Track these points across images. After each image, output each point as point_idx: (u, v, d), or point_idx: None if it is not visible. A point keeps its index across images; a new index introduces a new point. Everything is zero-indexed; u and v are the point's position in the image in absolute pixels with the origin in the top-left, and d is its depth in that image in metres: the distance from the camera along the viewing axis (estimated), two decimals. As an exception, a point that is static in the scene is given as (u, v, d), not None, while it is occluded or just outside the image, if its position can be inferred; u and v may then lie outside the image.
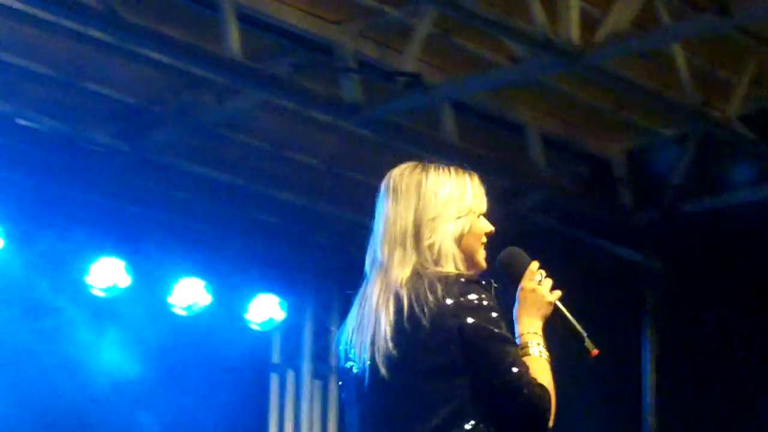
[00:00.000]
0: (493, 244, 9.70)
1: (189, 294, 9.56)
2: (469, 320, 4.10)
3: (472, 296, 4.12)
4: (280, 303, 10.07)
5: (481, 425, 4.14)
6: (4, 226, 8.66)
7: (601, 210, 9.46)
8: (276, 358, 10.64)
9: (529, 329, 4.28)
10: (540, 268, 4.26)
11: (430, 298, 4.11)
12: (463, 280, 4.13)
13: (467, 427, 4.13)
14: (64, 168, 8.76)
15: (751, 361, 9.03)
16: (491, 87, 8.45)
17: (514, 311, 4.31)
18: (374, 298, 4.25)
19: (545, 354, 4.23)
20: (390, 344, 4.15)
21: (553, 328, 4.23)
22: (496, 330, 4.10)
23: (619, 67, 8.01)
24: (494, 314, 4.11)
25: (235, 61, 7.50)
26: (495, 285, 4.19)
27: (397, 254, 4.23)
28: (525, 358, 4.15)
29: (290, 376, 10.65)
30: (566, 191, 9.40)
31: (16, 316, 8.83)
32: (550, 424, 4.14)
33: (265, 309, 10.03)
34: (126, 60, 7.98)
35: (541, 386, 4.11)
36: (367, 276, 4.34)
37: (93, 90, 8.28)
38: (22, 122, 8.38)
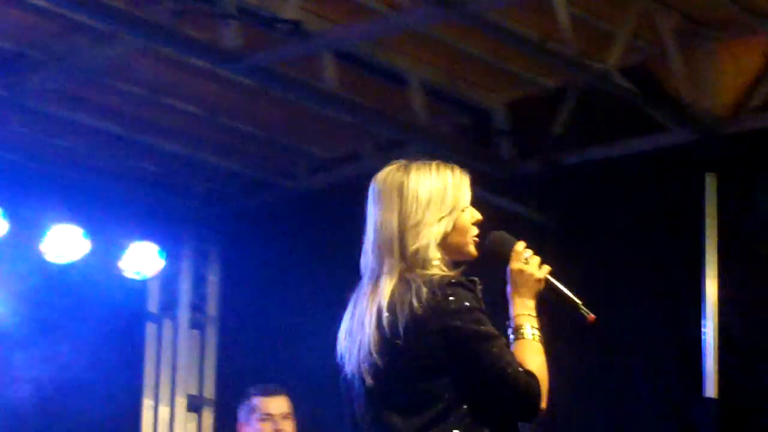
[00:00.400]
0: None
1: (64, 242, 9.43)
2: (453, 323, 4.22)
3: (454, 298, 4.24)
4: (158, 252, 9.97)
5: (468, 423, 4.26)
6: None
7: (481, 161, 9.43)
8: (152, 307, 10.59)
9: (522, 311, 4.41)
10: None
11: (415, 303, 4.22)
12: (446, 283, 4.24)
13: (453, 428, 4.26)
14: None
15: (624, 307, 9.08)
16: (373, 35, 8.37)
17: (507, 292, 4.43)
18: (363, 305, 4.37)
19: (537, 334, 4.36)
20: (374, 353, 4.28)
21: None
22: (480, 328, 4.22)
23: (500, 16, 7.97)
24: (477, 314, 4.24)
25: (113, 6, 7.36)
26: (480, 285, 4.31)
27: (387, 261, 4.34)
28: (518, 342, 4.34)
29: (167, 325, 10.60)
30: (447, 141, 9.35)
31: None
32: (543, 405, 4.27)
33: (142, 258, 9.94)
34: (1, 4, 7.76)
35: (529, 373, 4.25)
36: (362, 279, 4.47)
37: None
38: None
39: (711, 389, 8.82)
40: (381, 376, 4.31)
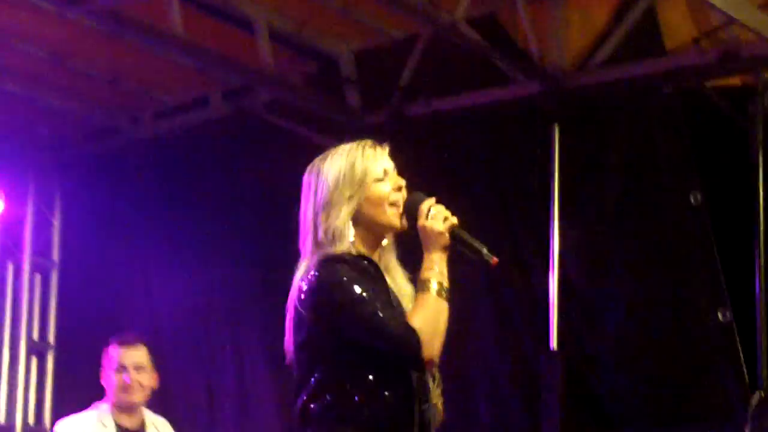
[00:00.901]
0: (225, 138, 9.43)
1: None
2: (323, 297, 4.50)
3: (326, 274, 4.49)
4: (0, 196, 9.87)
5: (347, 389, 4.53)
6: None
7: (329, 109, 9.43)
8: None
9: (427, 265, 4.59)
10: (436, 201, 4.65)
11: (303, 283, 4.53)
12: (323, 259, 4.52)
13: (328, 397, 4.54)
14: None
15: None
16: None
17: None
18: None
19: (440, 288, 4.58)
20: (287, 333, 4.66)
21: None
22: (351, 297, 4.46)
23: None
24: (348, 284, 4.47)
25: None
26: (367, 260, 4.59)
27: (306, 245, 4.63)
28: (418, 296, 4.57)
29: (10, 269, 10.50)
30: (295, 89, 9.33)
31: None
32: (427, 356, 4.48)
33: None
34: None
35: (408, 327, 4.46)
36: None
37: None
38: None
39: (554, 340, 8.85)
40: (291, 353, 4.66)
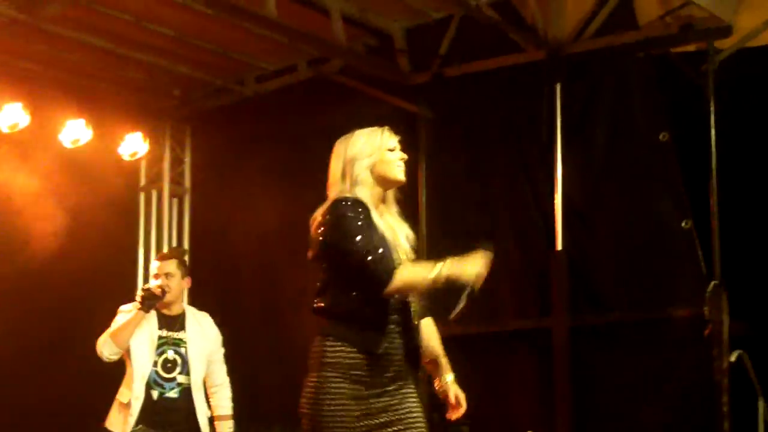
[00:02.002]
0: (309, 96, 9.15)
1: (75, 132, 9.08)
2: (327, 227, 4.51)
3: (332, 211, 4.51)
4: (146, 139, 9.70)
5: (339, 293, 4.51)
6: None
7: (386, 73, 9.22)
8: (143, 181, 10.31)
9: (445, 266, 4.42)
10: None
11: (319, 213, 4.56)
12: (334, 200, 4.56)
13: (327, 297, 4.55)
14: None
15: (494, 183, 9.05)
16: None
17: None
18: None
19: (432, 276, 4.40)
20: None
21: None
22: (346, 231, 4.45)
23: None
24: (346, 220, 4.47)
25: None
26: (362, 205, 4.51)
27: (332, 189, 4.63)
28: (428, 265, 4.44)
29: (154, 195, 10.32)
30: (360, 58, 9.12)
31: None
32: (386, 291, 4.40)
33: (135, 144, 9.63)
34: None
35: (382, 261, 4.43)
36: None
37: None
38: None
39: (559, 243, 8.64)
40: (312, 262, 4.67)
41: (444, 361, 4.74)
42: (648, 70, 8.44)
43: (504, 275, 8.79)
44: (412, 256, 4.59)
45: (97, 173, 9.19)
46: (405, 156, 4.68)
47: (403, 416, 4.53)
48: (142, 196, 10.19)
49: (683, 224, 8.14)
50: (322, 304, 4.55)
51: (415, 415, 4.55)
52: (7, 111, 8.50)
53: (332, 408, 4.42)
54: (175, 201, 10.26)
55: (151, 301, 6.77)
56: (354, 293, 4.49)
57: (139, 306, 6.76)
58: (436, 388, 4.71)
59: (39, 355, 8.73)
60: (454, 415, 4.71)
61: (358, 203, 4.52)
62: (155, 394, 6.72)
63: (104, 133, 9.29)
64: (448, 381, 4.70)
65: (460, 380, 8.64)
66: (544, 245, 8.68)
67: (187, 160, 10.30)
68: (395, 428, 4.50)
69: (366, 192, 4.57)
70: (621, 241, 8.51)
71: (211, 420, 6.96)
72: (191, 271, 9.89)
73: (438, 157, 9.12)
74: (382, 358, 4.50)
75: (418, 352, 4.63)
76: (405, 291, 4.49)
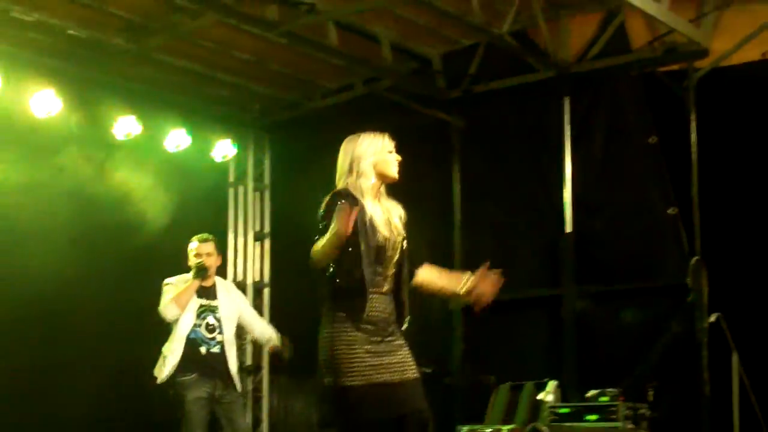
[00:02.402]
0: (363, 109, 9.14)
1: (177, 139, 9.07)
2: (323, 209, 4.44)
3: (326, 199, 4.44)
4: (234, 144, 9.64)
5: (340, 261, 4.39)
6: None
7: (426, 90, 9.13)
8: (231, 179, 10.27)
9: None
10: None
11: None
12: (335, 192, 4.47)
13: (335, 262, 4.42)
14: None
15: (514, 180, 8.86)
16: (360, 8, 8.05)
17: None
18: None
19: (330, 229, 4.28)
20: None
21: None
22: (321, 217, 4.41)
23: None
24: (330, 208, 4.36)
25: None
26: (347, 198, 4.36)
27: (340, 180, 4.55)
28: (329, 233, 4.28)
29: (240, 190, 10.29)
30: (405, 78, 9.05)
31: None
32: (315, 261, 4.35)
33: (224, 148, 9.61)
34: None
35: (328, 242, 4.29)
36: None
37: None
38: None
39: (569, 227, 8.57)
40: None
41: (449, 273, 4.66)
42: (639, 86, 8.38)
43: (522, 253, 8.78)
44: (403, 232, 4.55)
45: (194, 172, 9.23)
46: (399, 157, 4.64)
47: (400, 360, 4.45)
48: (230, 191, 10.18)
49: (669, 211, 8.09)
50: (329, 278, 4.48)
51: (409, 360, 4.48)
52: (122, 122, 8.54)
53: (344, 349, 4.35)
54: (257, 195, 10.25)
55: (203, 273, 6.88)
56: (341, 265, 4.41)
57: (194, 277, 6.87)
58: (464, 292, 4.58)
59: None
60: (483, 301, 4.59)
61: (347, 193, 4.46)
62: (203, 350, 6.78)
63: (200, 140, 9.31)
64: (465, 278, 4.59)
65: (486, 339, 8.61)
66: (556, 229, 8.61)
67: (267, 161, 10.27)
68: (395, 369, 4.41)
69: (367, 183, 4.53)
70: (618, 224, 8.43)
71: (239, 369, 7.14)
72: (272, 251, 10.16)
73: (468, 159, 9.05)
74: (375, 322, 4.43)
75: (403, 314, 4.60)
76: (323, 256, 4.37)
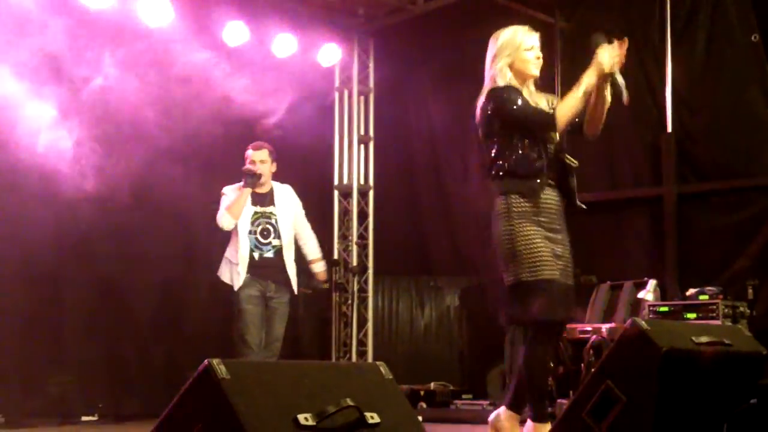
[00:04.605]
0: (467, 12, 9.31)
1: (285, 44, 9.46)
2: (495, 101, 4.64)
3: (494, 94, 4.64)
4: (339, 49, 9.99)
5: (507, 153, 4.66)
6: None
7: None
8: (337, 83, 10.55)
9: (584, 77, 4.53)
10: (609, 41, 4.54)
11: (482, 99, 4.71)
12: (492, 89, 4.67)
13: (499, 160, 4.68)
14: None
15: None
16: None
17: None
18: None
19: (582, 89, 4.50)
20: (479, 130, 4.81)
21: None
22: (505, 105, 4.61)
23: None
24: (505, 96, 4.62)
25: None
26: (516, 87, 4.63)
27: (486, 81, 4.74)
28: (572, 91, 4.53)
29: (345, 93, 10.56)
30: None
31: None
32: (560, 126, 4.58)
33: (330, 53, 9.97)
34: None
35: (541, 112, 4.64)
36: None
37: None
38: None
39: (669, 126, 8.83)
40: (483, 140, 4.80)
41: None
42: None
43: (623, 152, 9.11)
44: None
45: (301, 76, 9.42)
46: (540, 54, 4.72)
47: (567, 253, 4.66)
48: (336, 95, 10.47)
49: None
50: (494, 171, 4.68)
51: (570, 258, 4.67)
52: (231, 27, 8.88)
53: (531, 245, 4.54)
54: (362, 98, 10.49)
55: (253, 179, 7.21)
56: (515, 154, 4.63)
57: (245, 185, 7.21)
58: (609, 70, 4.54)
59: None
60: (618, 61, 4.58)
61: (508, 87, 4.67)
62: (257, 255, 7.17)
63: (307, 45, 9.61)
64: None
65: (587, 239, 9.03)
66: (657, 128, 8.88)
67: (371, 65, 10.49)
68: (564, 260, 4.62)
69: (509, 81, 4.69)
70: (718, 124, 8.66)
71: (299, 272, 7.38)
72: (375, 154, 10.53)
73: (572, 60, 9.07)
74: (547, 207, 4.62)
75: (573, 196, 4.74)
76: (571, 117, 4.54)
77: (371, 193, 10.43)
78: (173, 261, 8.82)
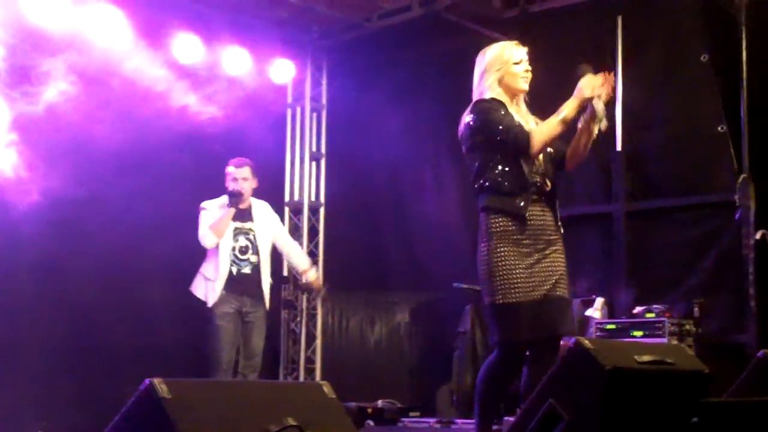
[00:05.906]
0: (421, 30, 9.33)
1: (237, 60, 9.46)
2: (473, 119, 4.65)
3: (478, 107, 4.66)
4: (292, 65, 10.00)
5: (489, 168, 4.64)
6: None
7: (483, 10, 9.37)
8: (289, 99, 10.58)
9: (566, 103, 4.61)
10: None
11: (466, 114, 4.71)
12: (477, 101, 4.70)
13: (482, 176, 4.66)
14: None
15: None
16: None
17: None
18: None
19: (561, 117, 4.56)
20: (462, 145, 4.82)
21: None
22: (488, 119, 4.60)
23: None
24: (489, 114, 4.62)
25: None
26: (496, 103, 4.65)
27: (474, 94, 4.76)
28: (552, 117, 4.58)
29: (298, 109, 10.58)
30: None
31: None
32: (532, 150, 4.58)
33: (283, 69, 9.98)
34: None
35: (522, 131, 4.61)
36: None
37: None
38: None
39: (619, 145, 8.88)
40: (466, 155, 4.79)
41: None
42: (692, 5, 8.57)
43: (576, 171, 9.07)
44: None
45: (253, 92, 9.41)
46: (529, 68, 4.77)
47: (554, 272, 4.61)
48: (288, 111, 10.49)
49: (719, 129, 8.33)
50: (476, 185, 4.67)
51: (561, 272, 4.63)
52: (182, 40, 8.82)
53: (504, 267, 4.51)
54: (314, 115, 10.49)
55: (237, 199, 7.33)
56: (498, 169, 4.60)
57: (229, 204, 7.30)
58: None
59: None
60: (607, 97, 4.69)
61: (495, 101, 4.69)
62: (234, 270, 7.28)
63: (259, 61, 9.63)
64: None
65: None
66: (608, 147, 8.86)
67: (324, 82, 10.50)
68: (550, 284, 4.56)
69: (497, 95, 4.71)
70: (669, 142, 8.72)
71: (272, 287, 7.50)
72: (328, 171, 10.52)
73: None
74: (533, 225, 4.59)
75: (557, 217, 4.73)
76: (546, 141, 4.56)
77: (322, 210, 10.40)
78: (126, 275, 8.61)
